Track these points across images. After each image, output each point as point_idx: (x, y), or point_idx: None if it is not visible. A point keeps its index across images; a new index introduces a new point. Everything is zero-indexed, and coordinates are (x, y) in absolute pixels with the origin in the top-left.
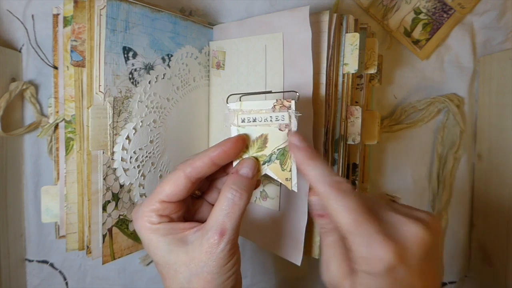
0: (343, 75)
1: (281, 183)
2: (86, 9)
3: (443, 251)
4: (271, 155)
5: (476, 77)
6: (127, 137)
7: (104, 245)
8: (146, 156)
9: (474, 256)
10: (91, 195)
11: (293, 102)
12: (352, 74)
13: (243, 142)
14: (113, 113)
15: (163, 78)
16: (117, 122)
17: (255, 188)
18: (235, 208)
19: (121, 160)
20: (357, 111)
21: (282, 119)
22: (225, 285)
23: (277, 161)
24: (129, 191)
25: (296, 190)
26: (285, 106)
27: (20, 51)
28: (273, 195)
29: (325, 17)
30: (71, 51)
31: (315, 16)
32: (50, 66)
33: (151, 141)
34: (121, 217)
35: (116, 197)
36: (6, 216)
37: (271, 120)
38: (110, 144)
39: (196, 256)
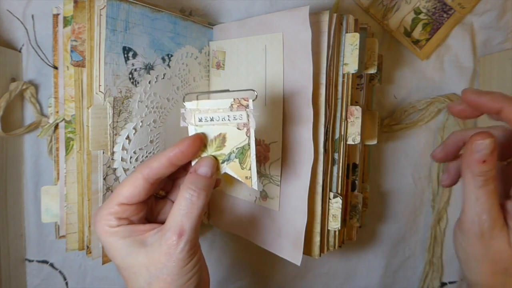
0: (343, 75)
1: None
2: (86, 9)
3: None
4: (230, 153)
5: (476, 77)
6: (127, 137)
7: None
8: (146, 156)
9: None
10: (91, 195)
11: (250, 101)
12: (352, 74)
13: (200, 141)
14: (113, 113)
15: (163, 78)
16: (117, 122)
17: (214, 187)
18: (193, 207)
19: (121, 160)
20: (357, 111)
21: (240, 118)
22: (187, 286)
23: (236, 160)
24: None
25: (256, 188)
26: (242, 105)
27: (20, 51)
28: (273, 195)
29: (325, 17)
30: (71, 51)
31: (315, 16)
32: (50, 66)
33: (151, 141)
34: None
35: None
36: (6, 216)
37: (229, 119)
38: (110, 144)
39: (156, 257)
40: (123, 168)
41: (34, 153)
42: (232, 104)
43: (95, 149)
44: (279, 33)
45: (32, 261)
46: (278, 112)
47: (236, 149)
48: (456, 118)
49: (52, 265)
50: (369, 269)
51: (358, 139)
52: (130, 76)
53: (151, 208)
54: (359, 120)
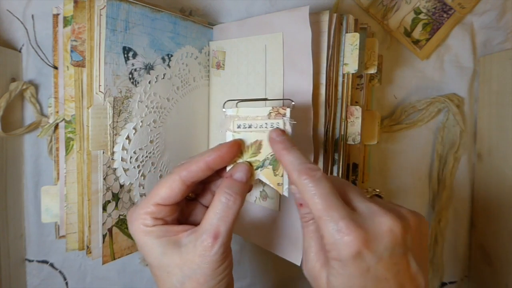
0: (343, 75)
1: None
2: (86, 9)
3: (426, 253)
4: (264, 160)
5: (476, 77)
6: (127, 137)
7: (104, 245)
8: (146, 156)
9: (474, 256)
10: (91, 195)
11: (288, 110)
12: (352, 74)
13: (238, 147)
14: (113, 113)
15: (163, 78)
16: (117, 122)
17: (247, 192)
18: (229, 212)
19: (121, 160)
20: (357, 111)
21: (277, 125)
22: (218, 287)
23: (270, 167)
24: (129, 191)
25: (286, 195)
26: (280, 113)
27: (20, 51)
28: (273, 195)
29: (325, 17)
30: (71, 51)
31: (315, 16)
32: (50, 66)
33: (151, 141)
34: (121, 217)
35: (116, 197)
36: (6, 216)
37: (266, 127)
38: (110, 144)
39: (190, 258)
40: (123, 168)
41: (34, 153)
42: (270, 112)
43: (95, 149)
44: (279, 33)
45: (32, 261)
46: None
47: (271, 156)
48: (456, 118)
49: (52, 265)
50: None
51: (358, 139)
52: (130, 76)
53: (182, 209)
54: (359, 120)
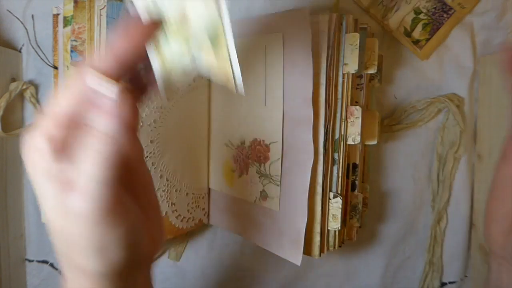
0: (343, 75)
1: None
2: (86, 9)
3: None
4: (198, 34)
5: (476, 77)
6: None
7: None
8: (147, 156)
9: (474, 256)
10: None
11: None
12: (352, 74)
13: (155, 26)
14: None
15: None
16: None
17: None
18: None
19: None
20: (357, 111)
21: None
22: None
23: (209, 43)
24: None
25: (242, 93)
26: None
27: (20, 51)
28: (273, 195)
29: (325, 17)
30: (71, 51)
31: (315, 16)
32: (50, 66)
33: (151, 141)
34: None
35: None
36: (6, 216)
37: None
38: None
39: None
40: None
41: None
42: None
43: None
44: (279, 33)
45: (32, 261)
46: (278, 112)
47: (205, 29)
48: (456, 118)
49: (52, 265)
50: (369, 269)
51: (358, 139)
52: None
53: None
54: (359, 120)
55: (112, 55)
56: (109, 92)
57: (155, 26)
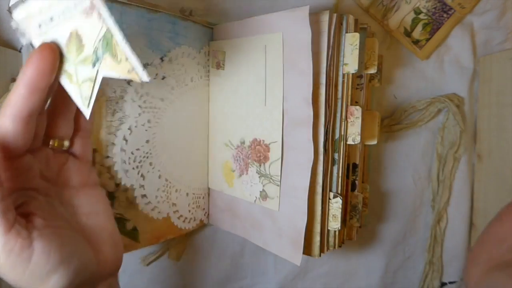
0: (343, 75)
1: None
2: None
3: None
4: (95, 51)
5: (476, 77)
6: (124, 138)
7: None
8: (144, 156)
9: None
10: None
11: None
12: (352, 74)
13: (50, 50)
14: (107, 113)
15: (155, 78)
16: (111, 122)
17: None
18: None
19: (121, 161)
20: (357, 111)
21: (81, 1)
22: None
23: (107, 54)
24: (125, 190)
25: (147, 80)
26: None
27: (20, 51)
28: (273, 195)
29: (325, 17)
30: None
31: (315, 16)
32: None
33: (147, 141)
34: (117, 215)
35: (112, 196)
36: None
37: (71, 11)
38: (104, 144)
39: None
40: (123, 169)
41: None
42: None
43: None
44: (279, 33)
45: None
46: (278, 112)
47: (100, 41)
48: (456, 118)
49: None
50: (369, 269)
51: (358, 139)
52: None
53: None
54: (359, 120)
55: (22, 84)
56: None
57: (53, 49)
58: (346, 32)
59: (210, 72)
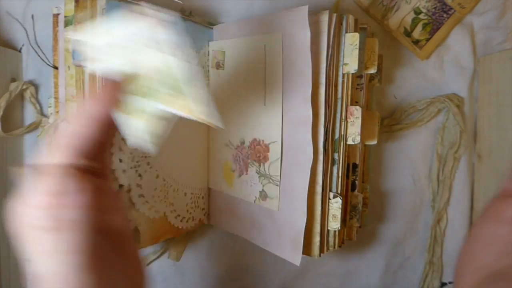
0: (343, 75)
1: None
2: (88, 9)
3: None
4: (159, 85)
5: (476, 77)
6: (122, 138)
7: None
8: (142, 156)
9: None
10: None
11: (143, 4)
12: (352, 74)
13: (118, 84)
14: None
15: None
16: None
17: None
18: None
19: (119, 161)
20: (357, 111)
21: (153, 35)
22: None
23: (170, 90)
24: (128, 191)
25: (221, 126)
26: (144, 14)
27: (20, 51)
28: (273, 195)
29: (325, 17)
30: (73, 51)
31: (315, 16)
32: (50, 66)
33: None
34: None
35: None
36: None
37: (144, 46)
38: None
39: None
40: (121, 169)
41: (34, 153)
42: (131, 21)
43: None
44: (278, 33)
45: None
46: (278, 112)
47: (165, 77)
48: (456, 118)
49: None
50: (369, 269)
51: (358, 139)
52: None
53: None
54: (359, 120)
55: (87, 116)
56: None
57: (121, 85)
58: (346, 32)
59: (210, 72)
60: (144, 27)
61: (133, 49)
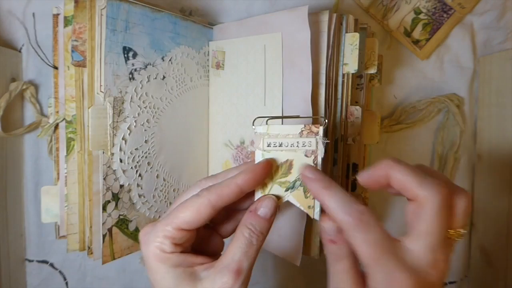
0: (343, 75)
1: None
2: (87, 9)
3: None
4: (295, 181)
5: (476, 77)
6: (123, 138)
7: (104, 245)
8: (142, 156)
9: (474, 256)
10: (92, 195)
11: (321, 128)
12: (352, 74)
13: (270, 168)
14: (113, 113)
15: (156, 78)
16: (117, 122)
17: (269, 229)
18: (252, 248)
19: (120, 161)
20: (357, 111)
21: (309, 145)
22: None
23: (301, 188)
24: (129, 191)
25: (318, 219)
26: (313, 132)
27: (20, 51)
28: None
29: (325, 17)
30: (72, 51)
31: (315, 16)
32: (50, 66)
33: (146, 141)
34: (121, 217)
35: (116, 197)
36: (6, 216)
37: (297, 146)
38: (110, 144)
39: None
40: (122, 169)
41: (34, 153)
42: (302, 130)
43: (95, 149)
44: (278, 33)
45: (32, 261)
46: (278, 112)
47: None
48: (456, 118)
49: (52, 265)
50: None
51: (358, 139)
52: (130, 76)
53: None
54: (359, 120)
55: (237, 185)
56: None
57: (271, 168)
58: (346, 32)
59: (209, 72)
60: (302, 137)
61: (290, 148)
